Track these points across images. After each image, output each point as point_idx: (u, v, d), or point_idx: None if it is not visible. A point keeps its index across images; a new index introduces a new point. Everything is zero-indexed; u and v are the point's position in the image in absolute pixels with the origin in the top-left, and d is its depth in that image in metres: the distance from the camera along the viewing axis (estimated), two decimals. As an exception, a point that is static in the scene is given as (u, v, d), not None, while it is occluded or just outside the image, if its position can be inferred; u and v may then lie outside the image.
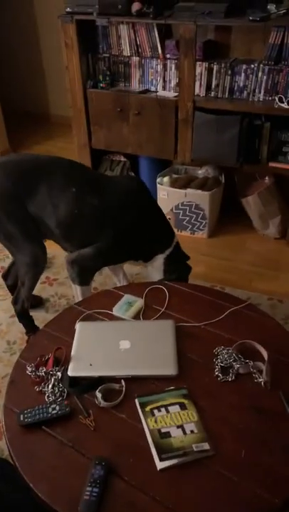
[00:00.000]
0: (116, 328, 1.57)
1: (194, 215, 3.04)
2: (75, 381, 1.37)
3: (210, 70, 2.79)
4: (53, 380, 1.37)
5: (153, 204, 2.16)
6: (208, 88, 2.86)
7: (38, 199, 1.96)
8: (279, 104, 2.66)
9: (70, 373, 1.38)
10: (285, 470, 1.14)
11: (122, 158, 3.44)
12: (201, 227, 3.09)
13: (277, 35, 2.57)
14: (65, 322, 1.62)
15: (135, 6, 2.72)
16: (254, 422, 1.26)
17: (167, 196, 3.03)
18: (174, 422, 1.24)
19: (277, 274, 2.77)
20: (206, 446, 1.18)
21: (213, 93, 2.86)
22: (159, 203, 2.29)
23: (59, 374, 1.39)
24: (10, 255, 2.18)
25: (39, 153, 2.36)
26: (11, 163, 2.00)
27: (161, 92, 2.98)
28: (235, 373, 1.39)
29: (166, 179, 3.10)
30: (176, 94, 2.91)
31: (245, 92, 2.79)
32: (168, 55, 2.91)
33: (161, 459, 1.15)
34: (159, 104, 2.91)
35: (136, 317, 1.64)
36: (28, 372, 1.40)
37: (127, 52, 3.01)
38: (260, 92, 2.75)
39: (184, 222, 3.10)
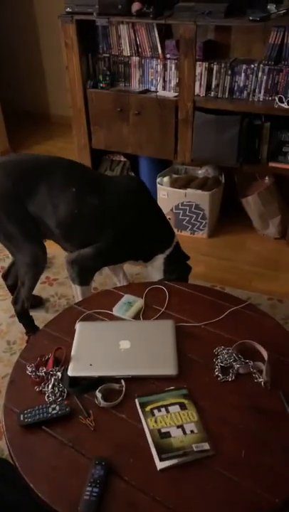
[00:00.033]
0: (116, 328, 1.57)
1: (194, 215, 3.04)
2: (75, 381, 1.37)
3: (210, 70, 2.79)
4: (53, 380, 1.37)
5: (153, 204, 2.16)
6: (208, 88, 2.85)
7: (38, 199, 1.96)
8: (279, 104, 2.66)
9: (70, 373, 1.38)
10: (285, 470, 1.14)
11: (122, 158, 3.44)
12: (201, 227, 3.09)
13: (277, 35, 2.57)
14: (65, 322, 1.62)
15: (135, 6, 2.72)
16: (254, 422, 1.26)
17: (167, 196, 3.03)
18: (174, 422, 1.24)
19: (277, 274, 2.77)
20: (206, 446, 1.18)
21: (213, 93, 2.86)
22: (159, 203, 2.29)
23: (59, 374, 1.39)
24: (10, 255, 2.18)
25: (39, 153, 2.36)
26: (11, 163, 2.00)
27: (161, 92, 2.98)
28: (235, 373, 1.39)
29: (166, 179, 3.10)
30: (176, 94, 2.91)
31: (245, 92, 2.79)
32: (168, 55, 2.91)
33: (161, 459, 1.15)
34: (159, 104, 2.91)
35: (136, 317, 1.64)
36: (28, 372, 1.40)
37: (127, 52, 3.01)
38: (260, 92, 2.75)
39: (184, 222, 3.10)
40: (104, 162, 3.50)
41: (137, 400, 1.31)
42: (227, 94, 2.83)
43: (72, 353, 1.45)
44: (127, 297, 1.72)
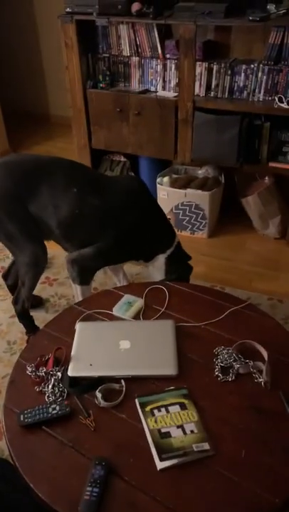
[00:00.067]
0: (116, 328, 1.57)
1: (194, 215, 3.04)
2: (75, 381, 1.37)
3: (210, 70, 2.79)
4: (53, 380, 1.37)
5: (154, 204, 2.16)
6: (208, 88, 2.85)
7: (39, 199, 1.96)
8: (279, 104, 2.66)
9: (70, 373, 1.38)
10: (285, 470, 1.14)
11: (122, 159, 3.44)
12: (201, 227, 3.09)
13: (277, 35, 2.57)
14: (65, 322, 1.62)
15: (135, 6, 2.72)
16: (254, 422, 1.26)
17: (167, 196, 3.03)
18: (174, 422, 1.24)
19: (277, 274, 2.77)
20: (206, 446, 1.18)
21: (213, 93, 2.86)
22: (159, 203, 2.29)
23: (59, 374, 1.39)
24: (10, 255, 2.18)
25: (39, 153, 2.36)
26: (12, 164, 2.00)
27: (161, 92, 2.98)
28: (235, 373, 1.39)
29: (166, 179, 3.10)
30: (176, 94, 2.91)
31: (245, 92, 2.79)
32: (168, 55, 2.91)
33: (161, 459, 1.15)
34: (158, 104, 2.91)
35: (136, 317, 1.64)
36: (28, 372, 1.40)
37: (126, 52, 3.01)
38: (259, 92, 2.75)
39: (184, 222, 3.10)
40: (104, 162, 3.50)
41: (137, 400, 1.31)
42: (227, 94, 2.83)
43: (72, 353, 1.45)
44: (127, 297, 1.72)
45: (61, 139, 4.54)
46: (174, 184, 3.04)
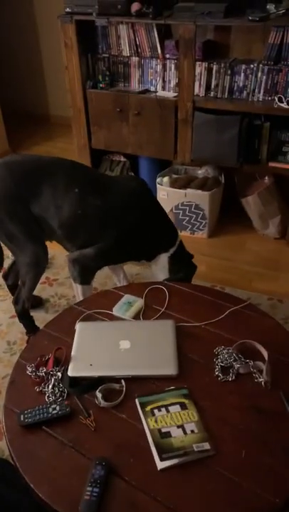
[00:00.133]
0: (116, 328, 1.57)
1: (194, 215, 3.04)
2: (75, 381, 1.37)
3: (209, 70, 2.79)
4: (53, 380, 1.37)
5: (155, 204, 2.16)
6: (208, 88, 2.86)
7: (41, 200, 1.96)
8: (278, 104, 2.66)
9: (70, 373, 1.38)
10: (285, 470, 1.14)
11: (122, 159, 3.44)
12: (201, 227, 3.09)
13: (277, 35, 2.57)
14: (65, 322, 1.62)
15: (135, 6, 2.72)
16: (254, 422, 1.26)
17: (167, 196, 3.03)
18: (174, 421, 1.24)
19: (277, 274, 2.77)
20: (206, 446, 1.18)
21: (212, 93, 2.86)
22: (159, 203, 2.29)
23: (59, 374, 1.39)
24: (10, 255, 2.18)
25: (39, 153, 2.36)
26: (14, 164, 2.00)
27: (160, 92, 2.98)
28: (235, 373, 1.39)
29: (166, 179, 3.10)
30: (176, 94, 2.91)
31: (244, 92, 2.79)
32: (167, 55, 2.91)
33: (161, 459, 1.15)
34: (158, 105, 2.91)
35: (136, 317, 1.64)
36: (28, 372, 1.40)
37: (126, 52, 3.01)
38: (259, 92, 2.75)
39: (184, 222, 3.10)
40: (104, 162, 3.50)
41: (137, 400, 1.31)
42: (227, 94, 2.83)
43: (73, 353, 1.45)
44: (127, 297, 1.72)
45: (61, 139, 4.54)
46: (173, 184, 3.04)
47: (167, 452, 1.17)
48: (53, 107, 4.97)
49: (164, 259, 2.16)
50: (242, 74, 2.74)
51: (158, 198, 3.03)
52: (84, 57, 3.06)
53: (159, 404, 1.29)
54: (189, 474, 1.14)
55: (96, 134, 3.24)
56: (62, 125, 4.60)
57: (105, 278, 2.67)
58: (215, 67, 2.77)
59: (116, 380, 1.37)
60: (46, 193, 1.95)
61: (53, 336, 1.57)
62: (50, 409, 1.27)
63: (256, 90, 2.76)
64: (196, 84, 2.83)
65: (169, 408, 1.27)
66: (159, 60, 2.94)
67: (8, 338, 2.34)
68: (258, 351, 1.44)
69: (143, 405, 1.29)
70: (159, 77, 2.99)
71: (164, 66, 2.95)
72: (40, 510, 1.13)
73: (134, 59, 3.02)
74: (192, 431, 1.22)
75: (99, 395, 1.31)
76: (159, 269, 2.19)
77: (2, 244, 2.15)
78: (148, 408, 1.28)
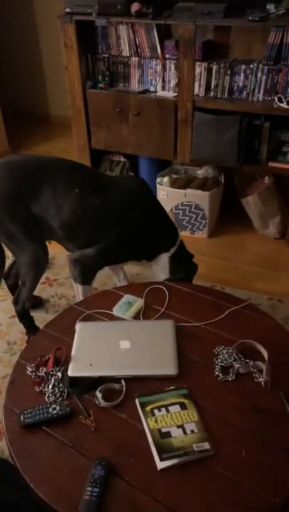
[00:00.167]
0: (116, 328, 1.57)
1: (194, 215, 3.04)
2: (75, 381, 1.37)
3: (209, 70, 2.79)
4: (53, 380, 1.37)
5: (156, 203, 2.16)
6: (208, 88, 2.86)
7: (41, 200, 1.96)
8: (278, 104, 2.66)
9: (70, 373, 1.38)
10: (285, 470, 1.14)
11: (122, 159, 3.44)
12: (201, 227, 3.09)
13: (277, 35, 2.57)
14: (65, 322, 1.62)
15: (134, 7, 2.72)
16: (254, 422, 1.26)
17: (167, 196, 3.03)
18: (174, 421, 1.24)
19: (277, 274, 2.77)
20: (206, 445, 1.18)
21: (212, 93, 2.86)
22: (159, 203, 2.29)
23: (59, 374, 1.39)
24: (10, 255, 2.18)
25: (39, 153, 2.36)
26: (14, 164, 2.00)
27: (160, 93, 2.98)
28: (235, 373, 1.39)
29: (165, 179, 3.10)
30: (176, 94, 2.91)
31: (244, 92, 2.79)
32: (167, 56, 2.91)
33: (161, 459, 1.15)
34: (158, 105, 2.91)
35: (136, 317, 1.64)
36: (28, 372, 1.40)
37: (126, 52, 3.01)
38: (259, 92, 2.75)
39: (184, 223, 3.10)
40: (104, 162, 3.50)
41: (137, 400, 1.31)
42: (226, 94, 2.83)
43: (73, 353, 1.45)
44: (127, 297, 1.72)
45: (61, 139, 4.54)
46: (173, 184, 3.04)
47: (167, 452, 1.17)
48: (53, 107, 4.97)
49: (164, 259, 2.16)
50: (242, 74, 2.74)
51: (158, 198, 3.03)
52: (84, 58, 3.06)
53: (159, 404, 1.29)
54: (189, 474, 1.14)
55: (96, 134, 3.24)
56: (62, 125, 4.60)
57: (105, 278, 2.67)
58: (215, 67, 2.78)
59: (116, 380, 1.37)
60: (46, 193, 1.95)
61: (53, 336, 1.57)
62: (50, 409, 1.27)
63: (256, 90, 2.76)
64: (196, 84, 2.83)
65: (169, 408, 1.27)
66: (158, 60, 2.94)
67: (8, 338, 2.34)
68: (258, 351, 1.44)
69: (143, 405, 1.29)
70: (159, 77, 2.99)
71: (164, 66, 2.95)
72: (40, 510, 1.13)
73: (134, 59, 3.02)
74: (192, 431, 1.22)
75: (99, 395, 1.31)
76: (160, 269, 2.19)
77: (3, 245, 2.15)
78: (148, 408, 1.28)
